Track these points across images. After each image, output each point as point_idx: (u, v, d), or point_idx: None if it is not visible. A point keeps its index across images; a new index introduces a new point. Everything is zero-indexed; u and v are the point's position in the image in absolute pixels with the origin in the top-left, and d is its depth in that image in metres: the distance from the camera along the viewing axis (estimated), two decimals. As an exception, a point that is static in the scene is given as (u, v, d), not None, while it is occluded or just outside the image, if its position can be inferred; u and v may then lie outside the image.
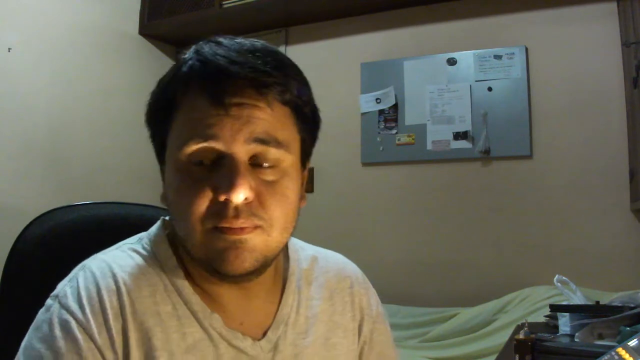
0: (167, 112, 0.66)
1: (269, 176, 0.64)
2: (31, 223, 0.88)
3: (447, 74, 2.82)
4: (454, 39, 2.84)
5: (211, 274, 0.65)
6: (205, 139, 0.61)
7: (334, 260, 0.83)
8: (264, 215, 0.63)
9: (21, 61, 2.77)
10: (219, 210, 0.61)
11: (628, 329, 1.36)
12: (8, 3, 2.73)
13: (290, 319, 0.73)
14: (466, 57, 2.79)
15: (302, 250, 0.80)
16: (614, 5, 2.51)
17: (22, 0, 2.79)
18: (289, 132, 0.65)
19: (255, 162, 0.63)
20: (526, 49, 2.67)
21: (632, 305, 1.49)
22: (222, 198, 0.61)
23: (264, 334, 0.70)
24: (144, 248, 0.70)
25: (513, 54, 2.68)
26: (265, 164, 0.64)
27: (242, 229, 0.62)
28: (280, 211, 0.64)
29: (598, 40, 2.55)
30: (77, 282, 0.65)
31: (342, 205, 2.89)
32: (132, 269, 0.67)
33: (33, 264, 0.86)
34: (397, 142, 2.89)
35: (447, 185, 2.78)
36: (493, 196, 2.68)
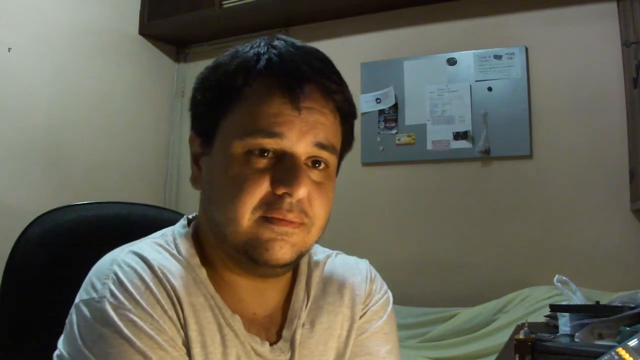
0: (228, 98, 0.67)
1: (318, 177, 0.68)
2: (32, 223, 0.87)
3: (447, 74, 2.82)
4: (454, 39, 2.84)
5: (242, 264, 0.68)
6: (273, 136, 0.64)
7: (345, 259, 0.84)
8: (310, 212, 0.67)
9: (21, 61, 2.77)
10: (273, 202, 0.64)
11: (628, 329, 1.36)
12: (8, 3, 2.73)
13: (301, 313, 0.74)
14: (466, 57, 2.79)
15: (315, 249, 0.81)
16: (614, 5, 2.50)
17: (22, 0, 2.79)
18: (338, 140, 0.70)
19: (310, 163, 0.67)
20: (526, 49, 2.67)
21: (632, 305, 1.49)
22: (281, 191, 0.64)
23: (277, 332, 0.72)
24: (168, 244, 0.71)
25: (513, 54, 2.68)
26: (318, 166, 0.68)
27: (291, 222, 0.65)
28: (323, 211, 0.68)
29: (598, 40, 2.55)
30: (120, 278, 0.63)
31: (342, 205, 2.88)
32: (164, 261, 0.67)
33: (34, 263, 0.85)
34: (397, 142, 2.89)
35: (447, 185, 2.78)
36: (493, 196, 2.68)
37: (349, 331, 0.77)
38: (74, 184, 2.95)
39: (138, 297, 0.62)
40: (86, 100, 3.07)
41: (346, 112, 0.70)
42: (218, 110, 0.68)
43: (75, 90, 3.02)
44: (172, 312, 0.64)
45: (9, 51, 2.72)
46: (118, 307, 0.61)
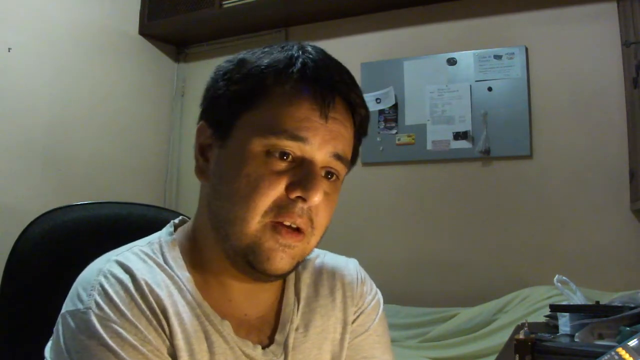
0: (255, 93, 0.66)
1: (328, 188, 0.68)
2: (32, 223, 0.87)
3: (447, 74, 2.82)
4: (454, 39, 2.84)
5: (238, 265, 0.67)
6: (297, 139, 0.64)
7: (334, 260, 0.84)
8: (316, 222, 0.67)
9: (21, 61, 2.77)
10: (286, 205, 0.64)
11: (628, 329, 1.36)
12: (8, 3, 2.73)
13: (293, 316, 0.74)
14: (466, 57, 2.79)
15: None
16: (614, 5, 2.51)
17: (22, 0, 2.79)
18: (350, 154, 0.71)
19: (322, 173, 0.67)
20: (526, 49, 2.67)
21: (632, 305, 1.49)
22: (295, 195, 0.64)
23: (269, 338, 0.72)
24: (154, 253, 0.70)
25: (513, 54, 2.68)
26: (330, 177, 0.68)
27: (296, 234, 0.65)
28: (326, 221, 0.69)
29: (598, 40, 2.55)
30: (105, 290, 0.63)
31: (342, 205, 2.87)
32: (148, 272, 0.67)
33: (33, 263, 0.85)
34: (397, 142, 2.89)
35: (447, 185, 2.78)
36: (493, 196, 2.68)
37: (342, 334, 0.77)
38: (74, 184, 2.95)
39: (123, 308, 0.62)
40: (86, 100, 3.07)
41: (363, 129, 0.72)
42: (242, 104, 0.67)
43: (76, 90, 3.02)
44: (157, 323, 0.63)
45: (9, 51, 2.72)
46: (103, 318, 0.61)
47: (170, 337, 0.64)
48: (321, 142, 0.65)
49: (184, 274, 0.69)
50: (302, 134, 0.64)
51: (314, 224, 0.67)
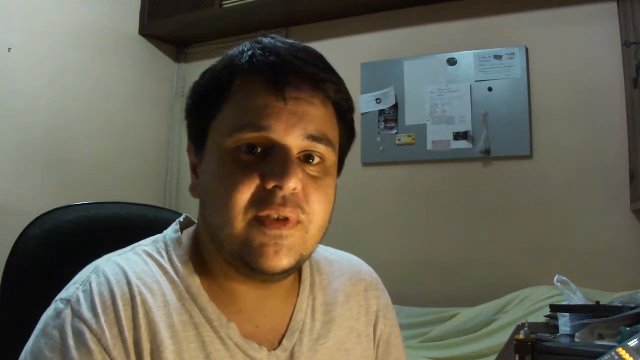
0: (216, 98, 0.66)
1: (314, 172, 0.65)
2: (32, 223, 0.87)
3: (447, 74, 2.82)
4: (454, 39, 2.84)
5: (240, 270, 0.64)
6: (260, 129, 0.62)
7: (348, 262, 0.82)
8: (307, 208, 0.63)
9: (21, 61, 2.77)
10: (265, 197, 0.61)
11: (628, 329, 1.36)
12: (8, 3, 2.73)
13: (305, 325, 0.72)
14: (466, 57, 2.78)
15: (316, 253, 0.76)
16: (614, 5, 2.51)
17: (22, 0, 2.79)
18: (335, 133, 0.67)
19: (303, 158, 0.64)
20: (526, 49, 2.67)
21: (632, 305, 1.49)
22: (271, 185, 0.61)
23: (279, 341, 0.69)
24: (158, 252, 0.69)
25: (513, 54, 2.68)
26: (312, 160, 0.65)
27: (284, 223, 0.62)
28: (320, 207, 0.65)
29: (598, 40, 2.55)
30: (91, 287, 0.63)
31: (342, 205, 2.87)
32: (147, 276, 0.65)
33: (33, 264, 0.85)
34: (397, 142, 2.89)
35: (447, 185, 2.78)
36: (493, 196, 2.68)
37: (356, 344, 0.76)
38: (74, 184, 2.95)
39: (99, 311, 0.61)
40: (86, 100, 3.07)
41: (339, 102, 0.67)
42: (207, 114, 0.66)
43: (75, 90, 3.02)
44: (129, 335, 0.61)
45: (9, 51, 2.72)
46: (75, 315, 0.61)
47: (156, 351, 0.61)
48: (286, 126, 0.62)
49: (190, 274, 0.67)
50: (263, 122, 0.62)
51: (305, 211, 0.63)
